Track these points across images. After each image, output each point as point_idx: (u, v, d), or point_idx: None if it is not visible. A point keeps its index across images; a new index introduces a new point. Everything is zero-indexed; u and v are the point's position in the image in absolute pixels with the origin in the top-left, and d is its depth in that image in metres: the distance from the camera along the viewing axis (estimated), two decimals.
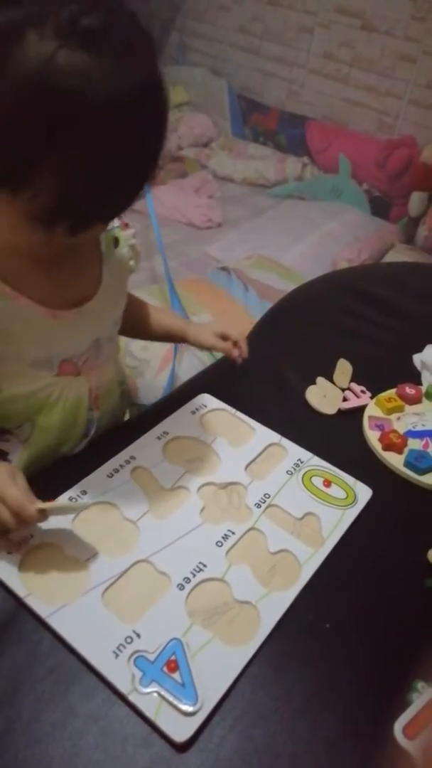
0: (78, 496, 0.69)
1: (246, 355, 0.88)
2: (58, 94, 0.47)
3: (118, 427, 0.82)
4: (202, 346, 0.90)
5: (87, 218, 0.56)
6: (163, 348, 1.59)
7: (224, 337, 0.88)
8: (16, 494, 0.59)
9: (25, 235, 0.56)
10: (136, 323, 0.87)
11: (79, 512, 0.67)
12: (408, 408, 0.93)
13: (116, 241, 0.75)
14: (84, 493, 0.70)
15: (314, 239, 2.35)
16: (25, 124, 0.48)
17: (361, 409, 0.92)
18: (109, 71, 0.48)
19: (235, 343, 0.88)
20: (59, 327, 0.68)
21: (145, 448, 0.77)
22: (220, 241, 2.30)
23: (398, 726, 0.55)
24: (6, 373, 0.68)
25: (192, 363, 1.56)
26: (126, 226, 0.77)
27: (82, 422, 0.76)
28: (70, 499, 0.69)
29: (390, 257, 2.39)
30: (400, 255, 2.40)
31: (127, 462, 0.75)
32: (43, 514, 0.61)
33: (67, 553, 0.63)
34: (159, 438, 0.79)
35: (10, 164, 0.50)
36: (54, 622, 0.57)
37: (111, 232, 0.74)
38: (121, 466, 0.74)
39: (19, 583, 0.60)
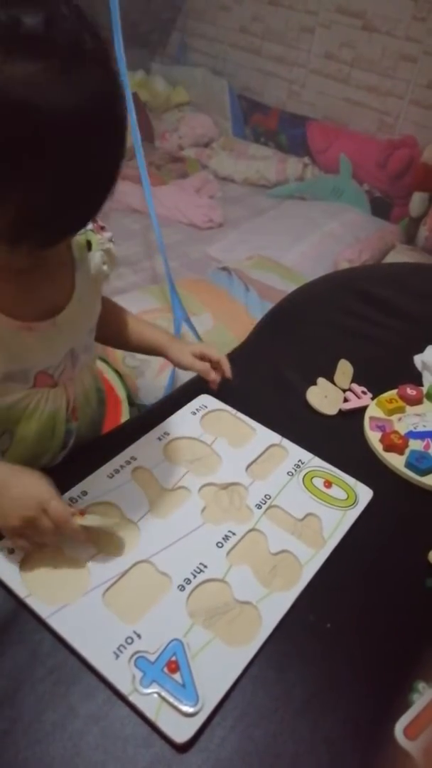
0: (79, 496, 0.69)
1: (229, 375, 0.86)
2: (7, 110, 0.44)
3: (119, 428, 0.82)
4: (180, 366, 0.87)
5: (52, 233, 0.53)
6: None
7: (203, 357, 0.86)
8: (62, 507, 0.60)
9: (9, 251, 0.53)
10: (114, 333, 0.85)
11: (110, 530, 0.66)
12: (409, 409, 0.93)
13: (89, 245, 0.72)
14: (85, 493, 0.70)
15: (315, 239, 2.35)
16: None
17: (362, 410, 0.92)
18: (57, 79, 0.45)
19: (216, 364, 0.86)
20: (33, 339, 0.65)
21: (145, 448, 0.77)
22: (221, 242, 2.30)
23: (399, 727, 0.55)
24: None
25: None
26: (101, 229, 0.73)
27: (60, 433, 0.75)
28: (71, 499, 0.69)
29: (391, 258, 2.39)
30: (400, 255, 2.40)
31: (128, 462, 0.75)
32: (84, 530, 0.62)
33: (67, 554, 0.63)
34: (160, 438, 0.79)
35: None
36: (54, 623, 0.57)
37: (83, 235, 0.71)
38: (122, 466, 0.74)
39: (20, 583, 0.60)
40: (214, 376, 0.86)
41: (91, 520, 0.62)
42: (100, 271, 0.73)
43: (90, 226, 0.71)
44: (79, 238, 0.70)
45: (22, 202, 0.48)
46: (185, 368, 0.87)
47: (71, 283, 0.69)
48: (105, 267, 0.73)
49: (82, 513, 0.63)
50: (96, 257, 0.72)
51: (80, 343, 0.72)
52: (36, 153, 0.46)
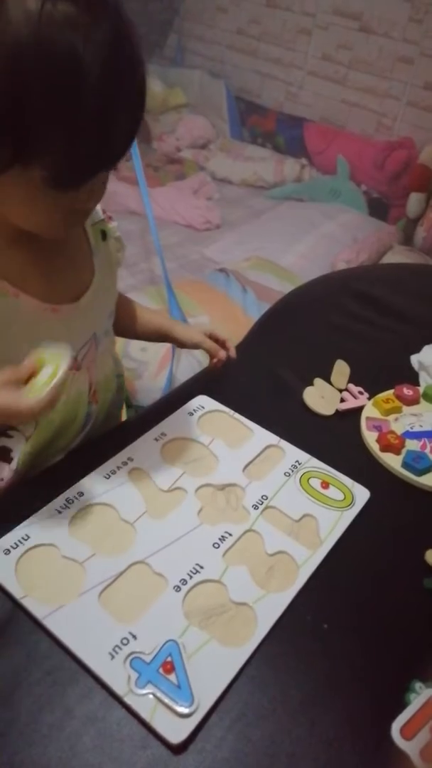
0: (75, 497, 0.69)
1: (234, 356, 0.88)
2: (55, 49, 0.48)
3: (116, 428, 0.82)
4: (188, 342, 0.88)
5: (96, 163, 0.56)
6: (161, 350, 1.59)
7: (211, 337, 0.88)
8: (22, 407, 0.58)
9: (43, 207, 0.58)
10: (126, 322, 0.87)
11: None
12: (406, 409, 0.93)
13: (103, 235, 0.75)
14: (81, 494, 0.70)
15: (313, 241, 2.35)
16: (28, 87, 0.49)
17: (358, 410, 0.92)
18: (89, 17, 0.49)
19: (223, 343, 0.88)
20: (59, 322, 0.68)
21: (142, 449, 0.77)
22: (219, 243, 2.31)
23: (396, 726, 0.55)
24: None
25: (190, 365, 1.56)
26: (109, 219, 0.77)
27: (81, 416, 0.77)
28: (67, 500, 0.69)
29: (388, 258, 2.39)
30: (398, 256, 2.40)
31: (125, 463, 0.75)
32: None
33: (63, 555, 0.63)
34: (157, 439, 0.79)
35: (19, 135, 0.51)
36: (50, 624, 0.57)
37: (97, 225, 0.75)
38: (119, 467, 0.74)
39: (16, 584, 0.60)
40: (222, 354, 0.87)
41: (46, 378, 0.58)
42: (115, 258, 0.77)
43: (101, 215, 0.75)
44: (94, 227, 0.74)
45: (69, 136, 0.51)
46: (194, 346, 0.88)
47: (90, 268, 0.72)
48: (119, 254, 0.79)
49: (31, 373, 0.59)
50: (111, 245, 0.76)
51: (101, 327, 0.75)
52: (77, 86, 0.49)
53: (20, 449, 0.72)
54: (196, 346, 0.88)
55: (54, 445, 0.76)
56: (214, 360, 0.87)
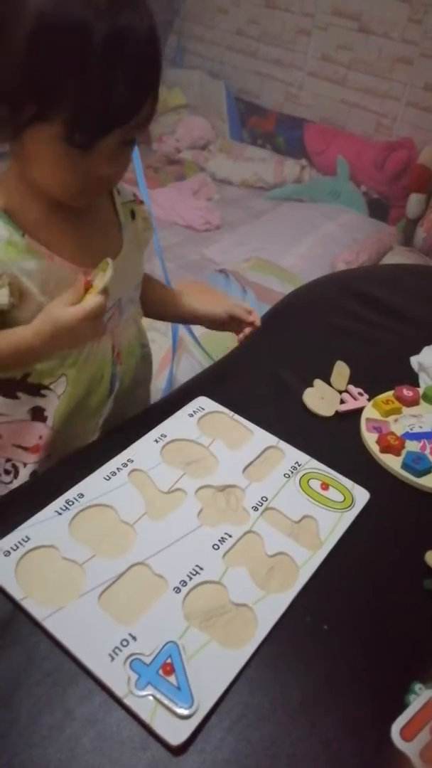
0: (75, 498, 0.69)
1: (258, 323, 0.97)
2: (70, 14, 0.55)
3: (116, 429, 0.82)
4: (218, 314, 0.97)
5: (106, 120, 0.60)
6: (161, 351, 1.59)
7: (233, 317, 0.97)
8: (72, 312, 0.68)
9: (63, 168, 0.64)
10: (158, 303, 0.95)
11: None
12: (405, 410, 0.93)
13: (132, 214, 0.82)
14: (81, 495, 0.70)
15: (313, 241, 2.36)
16: (49, 49, 0.56)
17: (358, 412, 0.92)
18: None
19: (249, 312, 0.97)
20: None
21: (142, 450, 0.77)
22: (219, 244, 2.31)
23: (395, 728, 0.55)
24: None
25: (190, 365, 1.57)
26: (140, 202, 0.85)
27: (107, 377, 0.82)
28: (67, 501, 0.69)
29: (388, 259, 2.40)
30: (398, 257, 2.41)
31: (125, 465, 0.75)
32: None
33: (63, 556, 0.63)
34: (157, 441, 0.79)
35: (42, 92, 0.58)
36: (50, 625, 0.57)
37: (127, 204, 0.82)
38: (119, 468, 0.74)
39: (16, 585, 0.60)
40: (253, 318, 0.97)
41: (99, 282, 0.69)
42: (142, 236, 0.84)
43: (131, 197, 0.83)
44: (124, 206, 0.81)
45: (93, 87, 0.57)
46: (222, 317, 0.98)
47: (119, 241, 0.79)
48: (146, 233, 0.85)
49: (87, 287, 0.69)
50: (139, 224, 0.83)
51: (126, 294, 0.82)
52: (92, 43, 0.55)
53: (54, 408, 0.78)
54: (227, 314, 0.97)
55: (86, 405, 0.81)
56: (246, 329, 0.97)
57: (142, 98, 0.61)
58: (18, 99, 0.59)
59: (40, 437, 0.80)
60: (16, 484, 0.81)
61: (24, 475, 0.81)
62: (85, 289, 0.69)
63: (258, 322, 0.97)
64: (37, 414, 0.79)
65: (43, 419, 0.79)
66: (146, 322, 0.93)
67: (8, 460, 0.82)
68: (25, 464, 0.81)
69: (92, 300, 0.67)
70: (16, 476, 0.82)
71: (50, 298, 0.71)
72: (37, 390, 0.78)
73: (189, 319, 1.03)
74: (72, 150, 0.61)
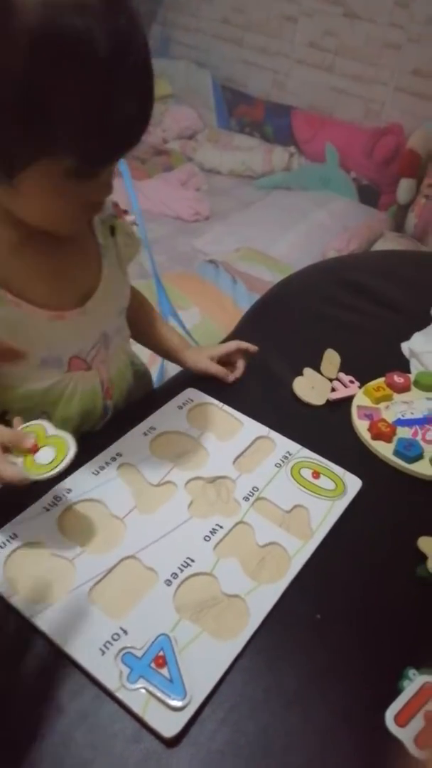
0: (63, 494, 0.69)
1: (240, 373, 0.91)
2: (68, 32, 0.47)
3: (104, 424, 0.81)
4: (194, 369, 0.90)
5: (115, 148, 0.56)
6: None
7: (221, 361, 0.90)
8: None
9: (63, 201, 0.58)
10: (139, 330, 0.87)
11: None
12: (397, 396, 0.93)
13: (112, 230, 0.75)
14: (69, 491, 0.69)
15: (303, 230, 2.35)
16: (47, 76, 0.48)
17: (349, 399, 0.91)
18: (99, 6, 0.48)
19: (226, 374, 0.90)
20: (64, 327, 0.69)
21: (131, 444, 0.77)
22: (208, 234, 2.30)
23: (389, 714, 0.55)
24: (17, 373, 0.70)
25: None
26: (124, 213, 0.77)
27: (98, 410, 0.79)
28: (55, 497, 0.68)
29: (379, 246, 2.39)
30: (389, 243, 2.40)
31: (114, 459, 0.74)
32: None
33: (52, 552, 0.63)
34: (146, 434, 0.78)
35: (42, 126, 0.50)
36: (40, 622, 0.57)
37: (106, 221, 0.74)
38: (107, 463, 0.73)
39: (5, 583, 0.60)
40: (231, 379, 0.90)
41: (39, 466, 0.58)
42: (125, 254, 0.77)
43: (111, 210, 0.75)
44: (103, 225, 0.73)
45: (94, 119, 0.51)
46: (202, 373, 0.90)
47: (98, 269, 0.72)
48: (129, 249, 0.78)
49: (33, 449, 0.59)
50: (120, 240, 0.75)
51: (111, 326, 0.76)
52: (91, 68, 0.49)
53: None
54: (203, 372, 0.89)
55: (78, 433, 0.75)
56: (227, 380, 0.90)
57: (149, 113, 0.56)
58: (16, 138, 0.52)
59: None
60: None
61: None
62: (30, 450, 0.59)
63: (240, 372, 0.91)
64: None
65: None
66: None
67: None
68: None
69: (10, 473, 0.57)
70: None
71: (24, 344, 0.66)
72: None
73: (170, 359, 0.93)
74: (76, 181, 0.56)
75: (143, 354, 0.96)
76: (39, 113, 0.50)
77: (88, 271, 0.72)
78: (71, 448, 0.59)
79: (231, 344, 0.93)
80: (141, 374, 0.91)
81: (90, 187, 0.58)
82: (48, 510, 0.67)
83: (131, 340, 0.88)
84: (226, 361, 0.92)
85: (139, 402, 0.85)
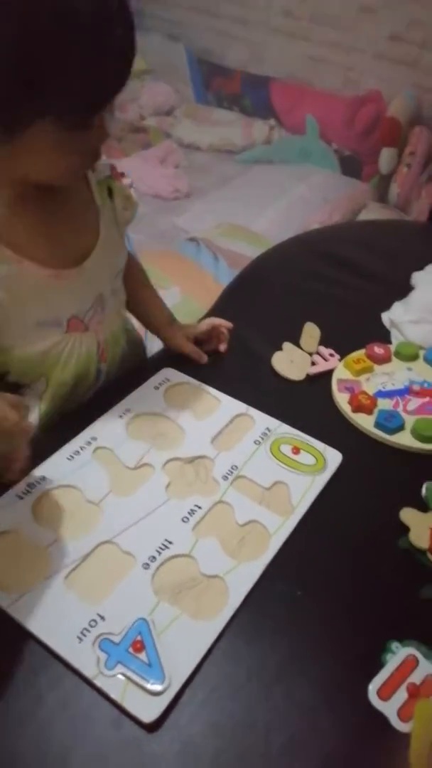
0: (37, 482, 0.67)
1: (225, 348, 0.91)
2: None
3: (78, 407, 0.80)
4: (172, 348, 0.90)
5: (103, 94, 0.57)
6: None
7: (197, 341, 0.89)
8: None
9: (62, 153, 0.59)
10: (128, 297, 0.86)
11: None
12: (377, 368, 0.91)
13: (110, 192, 0.76)
14: (43, 478, 0.68)
15: (284, 204, 2.31)
16: (37, 38, 0.50)
17: (330, 373, 0.90)
18: None
19: (200, 356, 0.89)
20: (62, 287, 0.69)
21: (106, 427, 0.75)
22: (189, 212, 2.26)
23: (372, 688, 0.54)
24: (15, 334, 0.70)
25: None
26: (121, 176, 0.78)
27: (92, 375, 0.79)
28: (29, 485, 0.67)
29: (363, 217, 2.36)
30: (372, 214, 2.37)
31: (88, 443, 0.73)
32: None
33: (27, 540, 0.62)
34: (121, 416, 0.77)
35: (37, 86, 0.52)
36: (15, 612, 0.56)
37: (104, 182, 0.75)
38: (82, 447, 0.72)
39: None
40: (203, 361, 0.89)
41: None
42: (122, 217, 0.77)
43: (108, 172, 0.76)
44: (100, 185, 0.74)
45: (89, 71, 0.54)
46: (176, 350, 0.89)
47: (95, 229, 0.73)
48: (127, 212, 0.78)
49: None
50: (117, 203, 0.76)
51: (107, 287, 0.76)
52: (76, 28, 0.51)
53: (35, 405, 0.75)
54: (177, 351, 0.89)
55: (68, 401, 0.78)
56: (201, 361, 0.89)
57: (130, 61, 0.58)
58: (16, 99, 0.54)
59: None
60: None
61: None
62: None
63: (223, 348, 0.91)
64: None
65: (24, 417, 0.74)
66: None
67: None
68: None
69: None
70: None
71: (22, 304, 0.67)
72: (15, 389, 0.74)
73: (154, 333, 0.94)
74: (74, 132, 0.57)
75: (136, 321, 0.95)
76: (34, 71, 0.52)
77: (86, 232, 0.72)
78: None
79: (205, 323, 0.91)
80: (134, 340, 0.91)
81: (89, 135, 0.60)
82: (22, 498, 0.66)
83: None
84: (206, 339, 0.91)
85: (114, 384, 0.84)
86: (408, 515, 0.69)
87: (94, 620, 0.56)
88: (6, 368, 0.73)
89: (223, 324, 0.91)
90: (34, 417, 0.75)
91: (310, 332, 0.96)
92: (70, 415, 0.78)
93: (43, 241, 0.67)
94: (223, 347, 0.91)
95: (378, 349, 0.93)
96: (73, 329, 0.73)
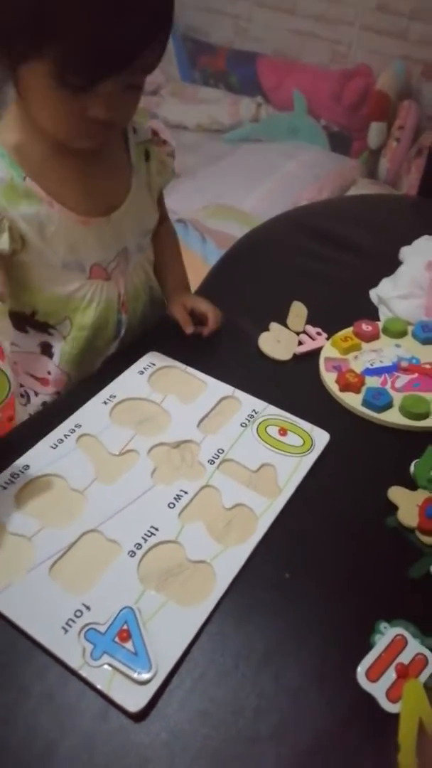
0: (20, 471, 0.66)
1: (206, 332, 0.89)
2: None
3: (62, 395, 0.79)
4: (169, 312, 0.91)
5: (100, 63, 0.57)
6: None
7: (192, 312, 0.89)
8: None
9: (57, 108, 0.61)
10: (157, 259, 0.90)
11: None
12: (365, 346, 0.90)
13: (147, 155, 0.79)
14: (27, 467, 0.67)
15: (273, 182, 2.28)
16: None
17: (317, 352, 0.89)
18: None
19: (203, 317, 0.89)
20: (88, 233, 0.73)
21: (90, 414, 0.74)
22: (176, 193, 2.22)
23: (361, 670, 0.54)
24: (42, 275, 0.75)
25: None
26: (164, 143, 0.82)
27: (113, 323, 0.82)
28: (12, 475, 0.66)
29: (353, 193, 2.33)
30: (362, 190, 2.34)
31: (72, 431, 0.71)
32: None
33: (10, 531, 0.61)
34: (105, 402, 0.76)
35: (34, 26, 0.55)
36: None
37: (142, 144, 0.78)
38: (66, 435, 0.71)
39: None
40: (188, 330, 0.88)
41: None
42: (155, 181, 0.81)
43: (149, 135, 0.80)
44: (138, 147, 0.78)
45: (80, 24, 0.55)
46: (170, 315, 0.91)
47: (127, 184, 0.77)
48: (160, 177, 0.81)
49: None
50: (153, 167, 0.80)
51: (133, 242, 0.80)
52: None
53: (60, 347, 0.81)
54: (172, 316, 0.90)
55: (92, 347, 0.83)
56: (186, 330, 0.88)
57: (143, 43, 0.58)
58: (9, 32, 0.57)
59: (49, 372, 0.83)
60: (30, 408, 0.87)
61: (36, 403, 0.86)
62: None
63: (206, 332, 0.89)
64: (46, 350, 0.82)
65: (51, 355, 0.82)
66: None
67: (21, 385, 0.87)
68: (36, 393, 0.86)
69: None
70: (28, 401, 0.88)
71: (50, 245, 0.71)
72: (44, 327, 0.80)
73: (163, 290, 0.94)
74: (65, 91, 0.59)
75: None
76: (27, 15, 0.55)
77: (117, 186, 0.76)
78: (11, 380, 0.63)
79: (208, 309, 0.90)
80: (158, 299, 0.92)
81: (86, 102, 0.60)
82: (5, 488, 0.65)
83: None
84: (198, 319, 0.90)
85: (98, 370, 0.82)
86: (396, 494, 0.68)
87: (80, 610, 0.55)
88: (35, 307, 0.78)
89: (211, 325, 0.89)
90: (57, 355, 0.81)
91: (297, 311, 0.95)
92: (52, 403, 0.76)
93: (74, 189, 0.71)
94: (205, 332, 0.89)
95: (366, 327, 0.91)
96: (96, 276, 0.77)
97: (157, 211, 0.84)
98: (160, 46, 0.61)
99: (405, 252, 1.08)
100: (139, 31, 0.57)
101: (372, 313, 0.97)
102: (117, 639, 0.53)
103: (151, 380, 0.80)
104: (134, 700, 0.50)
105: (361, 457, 0.74)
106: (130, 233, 0.79)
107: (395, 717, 0.50)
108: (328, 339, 0.90)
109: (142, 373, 0.81)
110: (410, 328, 0.92)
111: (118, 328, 0.84)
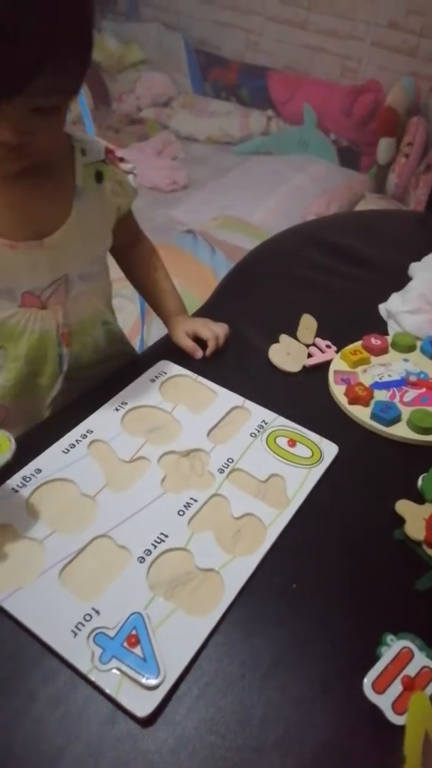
0: (32, 474, 0.67)
1: (208, 354, 0.88)
2: None
3: (74, 401, 0.79)
4: (174, 341, 0.90)
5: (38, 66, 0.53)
6: (131, 318, 1.56)
7: (195, 338, 0.88)
8: None
9: None
10: (141, 283, 0.90)
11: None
12: (374, 359, 0.91)
13: (99, 176, 0.73)
14: (39, 471, 0.67)
15: (282, 195, 2.30)
16: None
17: (326, 365, 0.89)
18: None
19: (208, 341, 0.88)
20: (17, 258, 0.68)
21: (102, 420, 0.75)
22: (186, 204, 2.25)
23: (367, 681, 0.54)
24: None
25: (162, 330, 1.53)
26: (120, 160, 0.76)
27: (52, 356, 0.77)
28: (24, 478, 0.66)
29: (361, 208, 2.35)
30: (370, 205, 2.36)
31: (84, 436, 0.72)
32: None
33: (22, 534, 0.61)
34: (117, 409, 0.77)
35: None
36: (9, 607, 0.55)
37: (92, 165, 0.72)
38: (78, 440, 0.72)
39: None
40: (197, 356, 0.87)
41: None
42: (111, 203, 0.75)
43: (101, 156, 0.73)
44: (87, 167, 0.72)
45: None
46: (175, 343, 0.89)
47: (68, 209, 0.70)
48: (119, 199, 0.76)
49: None
50: (107, 188, 0.74)
51: (75, 270, 0.74)
52: None
53: None
54: (177, 344, 0.88)
55: (34, 383, 0.78)
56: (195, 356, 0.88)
57: (33, 69, 0.52)
58: None
59: None
60: None
61: None
62: None
63: (207, 353, 0.87)
64: None
65: None
66: (114, 289, 0.88)
67: None
68: None
69: None
70: None
71: None
72: None
73: (160, 316, 0.94)
74: None
75: (125, 324, 0.94)
76: None
77: (55, 209, 0.70)
78: (10, 449, 0.58)
79: (209, 333, 0.88)
80: (115, 336, 0.88)
81: None
82: (17, 491, 0.65)
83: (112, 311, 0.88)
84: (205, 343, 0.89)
85: (112, 377, 0.83)
86: (404, 507, 0.68)
87: (89, 614, 0.55)
88: None
89: (211, 348, 0.88)
90: None
91: (307, 324, 0.96)
92: (66, 408, 0.77)
93: (10, 215, 0.67)
94: (207, 354, 0.88)
95: (375, 341, 0.92)
96: (28, 304, 0.72)
97: (109, 236, 0.78)
98: (72, 68, 0.56)
99: (414, 268, 1.09)
100: (27, 56, 0.52)
101: (381, 328, 0.98)
102: (126, 644, 0.54)
103: (163, 389, 0.81)
104: (142, 705, 0.51)
105: (369, 469, 0.75)
106: (71, 260, 0.73)
107: (401, 729, 0.51)
108: (337, 352, 0.91)
109: (153, 381, 0.82)
110: (419, 343, 0.93)
111: (60, 363, 0.78)
